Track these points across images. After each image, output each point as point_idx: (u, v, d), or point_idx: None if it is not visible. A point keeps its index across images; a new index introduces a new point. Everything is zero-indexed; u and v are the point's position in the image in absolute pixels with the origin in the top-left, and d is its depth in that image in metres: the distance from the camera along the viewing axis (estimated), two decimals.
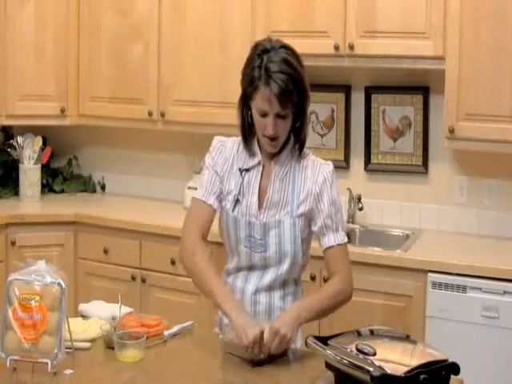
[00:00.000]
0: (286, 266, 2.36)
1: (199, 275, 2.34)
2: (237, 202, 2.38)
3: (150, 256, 3.87)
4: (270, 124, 2.25)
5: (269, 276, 2.38)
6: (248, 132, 2.38)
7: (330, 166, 2.40)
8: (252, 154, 2.39)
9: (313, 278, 3.37)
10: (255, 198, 2.36)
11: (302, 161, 2.39)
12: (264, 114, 2.25)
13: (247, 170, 2.39)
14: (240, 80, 2.33)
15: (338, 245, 2.38)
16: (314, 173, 2.37)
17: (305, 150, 2.41)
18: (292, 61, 2.24)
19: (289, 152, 2.37)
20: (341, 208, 2.42)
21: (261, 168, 2.38)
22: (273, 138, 2.29)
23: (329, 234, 2.37)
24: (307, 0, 3.63)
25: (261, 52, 2.25)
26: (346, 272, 2.38)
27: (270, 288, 2.39)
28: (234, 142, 2.44)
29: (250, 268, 2.40)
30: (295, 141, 2.37)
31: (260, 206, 2.36)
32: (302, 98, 2.28)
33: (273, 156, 2.38)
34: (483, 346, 3.13)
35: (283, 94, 2.20)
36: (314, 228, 2.38)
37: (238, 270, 2.43)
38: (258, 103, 2.25)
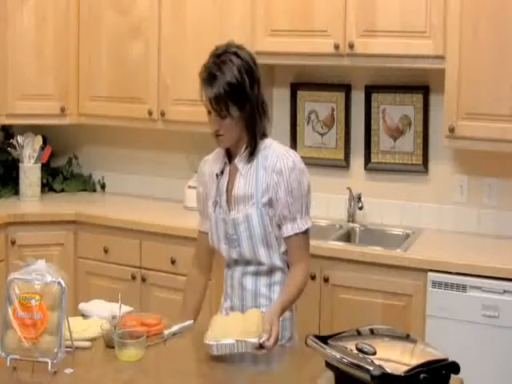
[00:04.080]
0: (262, 257, 2.46)
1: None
2: (216, 204, 2.51)
3: (150, 255, 3.87)
4: (212, 121, 2.40)
5: (251, 269, 2.50)
6: None
7: (290, 156, 2.44)
8: (222, 156, 2.52)
9: (313, 278, 3.37)
10: (224, 197, 2.49)
11: (264, 152, 2.46)
12: (209, 112, 2.41)
13: (222, 173, 2.51)
14: None
15: (296, 234, 2.44)
16: (273, 162, 2.43)
17: (268, 140, 2.49)
18: (235, 70, 2.34)
19: (245, 151, 2.46)
20: (302, 196, 2.43)
21: (227, 168, 2.50)
22: (218, 135, 2.41)
23: (286, 223, 2.44)
24: None
25: (213, 55, 2.39)
26: (305, 263, 2.48)
27: (255, 274, 2.50)
28: (214, 154, 2.59)
29: (235, 263, 2.53)
30: (248, 142, 2.45)
31: (229, 203, 2.47)
32: (243, 104, 2.37)
33: (237, 155, 2.47)
34: (483, 345, 3.13)
35: (215, 98, 2.34)
36: (274, 218, 2.44)
37: (228, 265, 2.58)
38: (204, 101, 2.40)
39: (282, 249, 2.49)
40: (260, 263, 2.48)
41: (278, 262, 2.49)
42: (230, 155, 2.51)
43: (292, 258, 2.48)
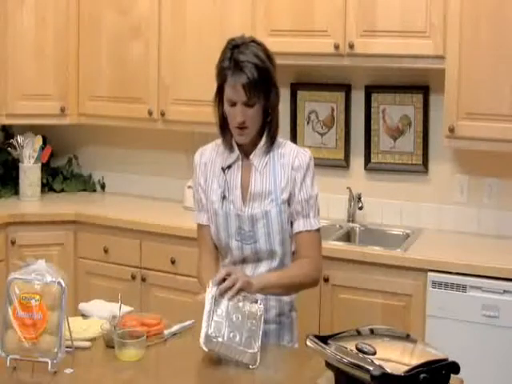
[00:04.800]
0: (277, 257, 2.43)
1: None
2: (223, 198, 2.45)
3: (150, 255, 3.87)
4: (238, 112, 2.34)
5: (262, 268, 2.44)
6: (224, 126, 2.45)
7: (306, 153, 2.46)
8: (231, 150, 2.46)
9: None
10: (238, 192, 2.44)
11: (279, 150, 2.45)
12: (233, 104, 2.34)
13: (229, 167, 2.46)
14: (215, 75, 2.41)
15: (307, 231, 2.43)
16: (292, 159, 2.43)
17: (281, 139, 2.48)
18: (260, 54, 2.34)
19: (264, 145, 2.43)
20: (314, 195, 2.45)
21: (240, 162, 2.45)
22: (242, 128, 2.36)
23: (299, 219, 2.43)
24: None
25: (232, 46, 2.35)
26: (316, 258, 2.44)
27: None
28: (214, 145, 2.54)
29: (243, 261, 2.46)
30: (268, 134, 2.43)
31: (244, 199, 2.43)
32: (270, 90, 2.36)
33: (251, 150, 2.44)
34: (483, 345, 3.13)
35: (249, 83, 2.29)
36: (290, 215, 2.44)
37: (233, 264, 2.47)
38: (227, 93, 2.34)
39: (293, 248, 2.47)
40: (273, 260, 2.43)
41: (288, 262, 2.47)
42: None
43: (301, 253, 2.43)
